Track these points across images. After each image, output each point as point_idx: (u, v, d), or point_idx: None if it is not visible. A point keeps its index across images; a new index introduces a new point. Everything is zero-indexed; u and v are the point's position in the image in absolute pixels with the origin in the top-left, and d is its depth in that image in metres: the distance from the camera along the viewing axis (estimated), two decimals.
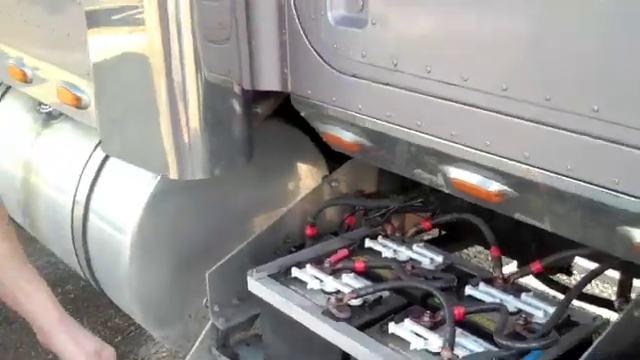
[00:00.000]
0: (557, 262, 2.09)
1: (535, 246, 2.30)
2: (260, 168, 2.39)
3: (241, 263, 2.29)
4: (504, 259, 2.18)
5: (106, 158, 2.64)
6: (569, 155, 1.41)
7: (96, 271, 2.75)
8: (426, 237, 2.54)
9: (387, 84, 1.69)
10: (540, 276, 2.40)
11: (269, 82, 1.98)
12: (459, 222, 2.24)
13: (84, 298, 4.16)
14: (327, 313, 1.92)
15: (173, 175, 1.99)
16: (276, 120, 2.37)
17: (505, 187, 1.60)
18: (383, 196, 2.44)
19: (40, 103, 2.93)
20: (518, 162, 1.50)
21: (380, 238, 2.28)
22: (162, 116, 1.92)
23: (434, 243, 2.39)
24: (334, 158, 2.51)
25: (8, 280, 1.67)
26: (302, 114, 2.02)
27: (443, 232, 2.68)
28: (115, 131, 2.14)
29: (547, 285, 2.44)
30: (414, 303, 1.96)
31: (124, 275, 2.51)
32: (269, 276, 2.14)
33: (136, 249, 2.43)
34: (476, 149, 1.56)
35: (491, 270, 2.09)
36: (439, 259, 2.17)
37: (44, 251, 4.47)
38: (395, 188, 2.50)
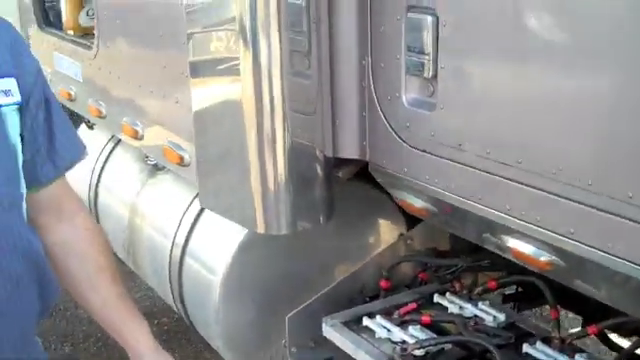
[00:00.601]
0: (613, 327, 2.24)
1: (598, 304, 2.44)
2: (342, 223, 2.61)
3: (318, 309, 2.52)
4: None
5: (203, 208, 2.93)
6: (609, 234, 1.58)
7: (188, 307, 3.03)
8: (500, 292, 2.71)
9: (452, 160, 1.90)
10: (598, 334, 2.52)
11: (349, 151, 2.22)
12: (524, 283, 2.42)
13: (177, 331, 4.46)
14: None
15: (260, 229, 2.24)
16: (359, 181, 2.61)
17: (555, 258, 1.78)
18: (454, 255, 2.63)
19: (147, 156, 3.26)
20: (564, 237, 1.68)
21: (448, 294, 2.47)
22: (251, 175, 2.17)
23: (508, 299, 2.56)
24: (413, 217, 2.72)
25: (108, 302, 1.78)
26: (378, 180, 2.25)
27: (513, 290, 2.84)
28: (210, 187, 2.41)
29: (604, 343, 2.56)
30: (474, 357, 2.14)
31: (213, 312, 2.77)
32: (342, 323, 2.37)
33: (225, 290, 2.69)
34: (528, 223, 1.75)
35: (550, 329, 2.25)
36: (501, 317, 2.34)
37: (142, 285, 4.84)
38: (466, 247, 2.68)
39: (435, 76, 1.90)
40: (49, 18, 3.72)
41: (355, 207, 2.71)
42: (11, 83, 1.55)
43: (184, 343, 4.36)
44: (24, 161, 1.61)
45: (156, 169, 3.30)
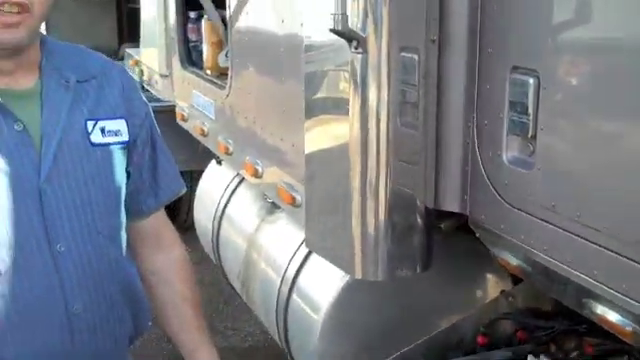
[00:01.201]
0: None
1: None
2: (445, 274, 2.64)
3: (414, 357, 2.54)
4: None
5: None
6: None
7: (291, 342, 3.13)
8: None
9: (545, 220, 1.91)
10: None
11: (450, 204, 2.26)
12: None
13: None
14: None
15: (358, 275, 2.31)
16: (466, 234, 2.63)
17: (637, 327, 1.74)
18: (554, 316, 2.59)
19: (266, 194, 3.42)
20: None
21: (542, 356, 2.43)
22: (352, 220, 2.25)
23: None
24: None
25: (185, 327, 1.91)
26: (477, 235, 2.28)
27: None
28: (316, 229, 2.51)
29: None
30: None
31: (313, 350, 2.86)
32: None
33: (325, 330, 2.77)
34: (615, 291, 1.72)
35: None
36: None
37: (258, 319, 4.99)
38: (567, 309, 2.63)
39: (534, 136, 1.92)
40: (191, 57, 3.98)
41: (459, 259, 2.73)
42: (121, 124, 1.72)
43: None
44: (128, 193, 1.78)
45: (274, 207, 3.44)
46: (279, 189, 2.82)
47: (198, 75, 3.79)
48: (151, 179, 1.84)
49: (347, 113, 2.19)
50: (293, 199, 2.73)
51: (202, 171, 5.33)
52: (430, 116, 2.20)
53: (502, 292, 2.72)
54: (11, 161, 1.54)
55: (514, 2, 1.97)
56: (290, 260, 3.16)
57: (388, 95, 2.12)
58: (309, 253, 3.08)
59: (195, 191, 5.94)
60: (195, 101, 3.79)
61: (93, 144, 1.66)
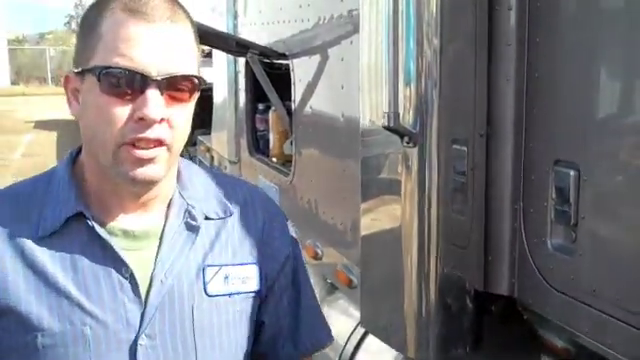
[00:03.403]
0: None
1: None
2: (494, 356, 2.72)
3: None
4: None
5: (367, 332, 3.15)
6: None
7: None
8: None
9: (586, 304, 2.01)
10: None
11: (499, 287, 2.37)
12: None
13: None
14: None
15: (410, 353, 2.42)
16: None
17: None
18: None
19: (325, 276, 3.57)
20: None
21: None
22: (405, 300, 2.38)
23: None
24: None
25: None
26: (524, 317, 2.38)
27: None
28: (370, 309, 2.65)
29: None
30: None
31: None
32: None
33: None
34: None
35: None
36: None
37: None
38: None
39: (576, 224, 2.04)
40: (259, 145, 4.23)
41: (507, 342, 2.80)
42: (252, 271, 1.54)
43: None
44: (265, 341, 1.62)
45: (333, 288, 3.58)
46: (337, 271, 2.97)
47: (264, 162, 4.02)
48: (291, 325, 1.63)
49: (400, 199, 2.35)
50: (350, 281, 2.88)
51: None
52: (478, 204, 2.34)
53: None
54: (106, 311, 1.39)
55: (556, 101, 2.12)
56: (347, 339, 3.27)
57: (439, 183, 2.28)
58: (366, 333, 3.20)
59: None
60: (261, 186, 4.01)
61: (209, 295, 1.48)
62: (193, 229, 1.49)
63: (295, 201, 3.53)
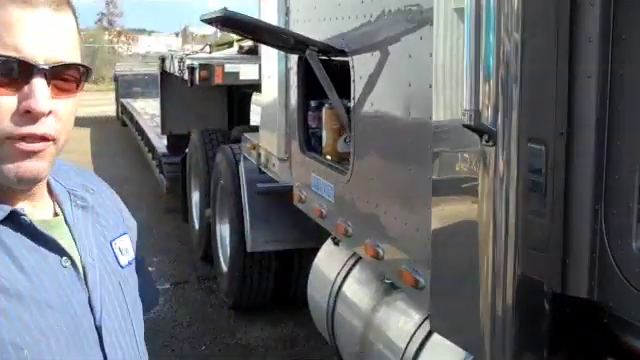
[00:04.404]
0: None
1: None
2: None
3: None
4: None
5: (431, 331, 3.10)
6: None
7: None
8: None
9: None
10: None
11: (578, 289, 2.31)
12: None
13: None
14: None
15: (485, 357, 2.36)
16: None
17: None
18: None
19: (384, 276, 3.51)
20: None
21: None
22: (480, 302, 2.32)
23: None
24: None
25: None
26: (604, 321, 2.31)
27: None
28: (441, 310, 2.60)
29: None
30: None
31: None
32: None
33: None
34: None
35: None
36: None
37: None
38: None
39: None
40: (311, 143, 4.19)
41: (584, 347, 2.73)
42: (127, 240, 1.58)
43: None
44: None
45: (392, 288, 3.53)
46: (401, 272, 2.91)
47: (318, 160, 3.97)
48: (142, 286, 1.65)
49: (476, 199, 2.30)
50: (416, 281, 2.82)
51: (310, 249, 5.53)
52: (558, 205, 2.28)
53: None
54: (67, 301, 1.35)
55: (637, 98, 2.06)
56: (409, 342, 3.23)
57: (517, 184, 2.21)
58: (427, 335, 3.15)
59: (301, 267, 6.18)
60: (314, 184, 3.97)
61: (122, 266, 1.52)
62: (86, 209, 1.48)
63: (353, 200, 3.48)
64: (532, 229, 2.28)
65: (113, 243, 1.52)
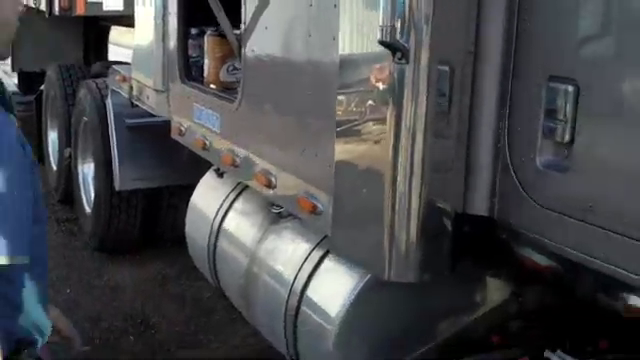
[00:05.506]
0: None
1: None
2: (456, 278, 2.73)
3: (432, 358, 2.63)
4: None
5: (323, 256, 3.09)
6: None
7: (300, 352, 3.16)
8: None
9: (582, 221, 2.02)
10: None
11: (478, 208, 2.37)
12: None
13: None
14: None
15: (390, 277, 2.38)
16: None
17: None
18: (564, 314, 2.71)
19: (272, 204, 3.46)
20: None
21: (559, 351, 2.55)
22: (385, 225, 2.34)
23: None
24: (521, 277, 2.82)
25: None
26: (504, 237, 2.38)
27: None
28: (343, 235, 2.59)
29: None
30: None
31: (326, 359, 2.91)
32: None
33: (340, 338, 2.82)
34: None
35: None
36: None
37: (243, 332, 5.02)
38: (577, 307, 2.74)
39: (572, 141, 2.04)
40: (191, 73, 4.03)
41: (470, 264, 2.82)
42: None
43: None
44: None
45: (279, 217, 3.48)
46: (299, 198, 2.87)
47: (201, 89, 3.84)
48: None
49: (382, 122, 2.28)
50: (314, 207, 2.79)
51: (180, 187, 5.40)
52: (463, 124, 2.31)
53: (512, 293, 2.84)
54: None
55: (549, 13, 2.10)
56: (298, 271, 3.19)
57: (426, 103, 2.22)
58: (318, 263, 3.12)
59: (170, 206, 6.03)
60: (197, 115, 3.84)
61: None
62: None
63: (242, 129, 3.39)
64: (438, 149, 2.31)
65: None
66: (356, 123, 2.43)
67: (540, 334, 2.69)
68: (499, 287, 2.86)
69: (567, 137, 2.06)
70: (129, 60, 5.12)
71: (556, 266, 2.24)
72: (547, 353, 2.55)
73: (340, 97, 2.45)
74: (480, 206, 2.37)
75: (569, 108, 2.04)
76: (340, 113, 2.46)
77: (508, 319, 2.72)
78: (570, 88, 2.03)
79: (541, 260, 2.29)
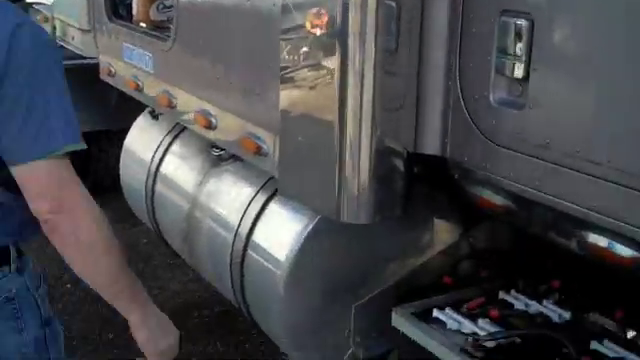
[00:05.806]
0: None
1: None
2: (407, 219, 2.70)
3: (384, 301, 2.61)
4: None
5: (269, 199, 3.01)
6: None
7: (248, 298, 3.10)
8: None
9: (538, 158, 1.99)
10: None
11: (430, 147, 2.31)
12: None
13: (218, 323, 4.55)
14: (464, 351, 2.21)
15: (341, 218, 2.32)
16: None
17: (637, 254, 1.86)
18: (516, 253, 2.72)
19: (213, 146, 3.34)
20: None
21: (513, 291, 2.56)
22: (336, 166, 2.26)
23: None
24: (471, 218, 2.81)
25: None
26: (455, 177, 2.34)
27: None
28: (292, 177, 2.50)
29: None
30: (544, 351, 2.22)
31: (276, 304, 2.85)
32: (412, 314, 2.46)
33: (289, 282, 2.76)
34: (617, 220, 1.82)
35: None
36: (567, 315, 2.42)
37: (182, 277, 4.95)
38: (529, 247, 2.75)
39: (527, 77, 1.99)
40: (118, 11, 3.84)
41: (420, 205, 2.79)
42: None
43: (225, 335, 4.45)
44: None
45: (220, 160, 3.37)
46: (242, 139, 2.77)
47: (131, 28, 3.65)
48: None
49: (330, 60, 2.19)
50: (258, 148, 2.69)
51: (116, 131, 5.20)
52: (412, 61, 2.24)
53: (463, 234, 2.83)
54: None
55: None
56: (243, 214, 3.10)
57: (374, 40, 2.13)
58: (263, 206, 3.04)
59: (105, 151, 5.83)
60: (127, 55, 3.66)
61: None
62: None
63: (177, 68, 3.24)
64: (388, 88, 2.23)
65: None
66: (302, 61, 2.32)
67: (492, 275, 2.69)
68: (449, 228, 2.84)
69: (521, 73, 2.00)
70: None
71: (508, 204, 2.22)
72: (502, 294, 2.55)
73: (284, 35, 2.34)
74: (432, 145, 2.32)
75: (523, 43, 1.98)
76: (285, 52, 2.35)
77: (459, 260, 2.70)
78: (524, 22, 1.97)
79: (493, 198, 2.26)
